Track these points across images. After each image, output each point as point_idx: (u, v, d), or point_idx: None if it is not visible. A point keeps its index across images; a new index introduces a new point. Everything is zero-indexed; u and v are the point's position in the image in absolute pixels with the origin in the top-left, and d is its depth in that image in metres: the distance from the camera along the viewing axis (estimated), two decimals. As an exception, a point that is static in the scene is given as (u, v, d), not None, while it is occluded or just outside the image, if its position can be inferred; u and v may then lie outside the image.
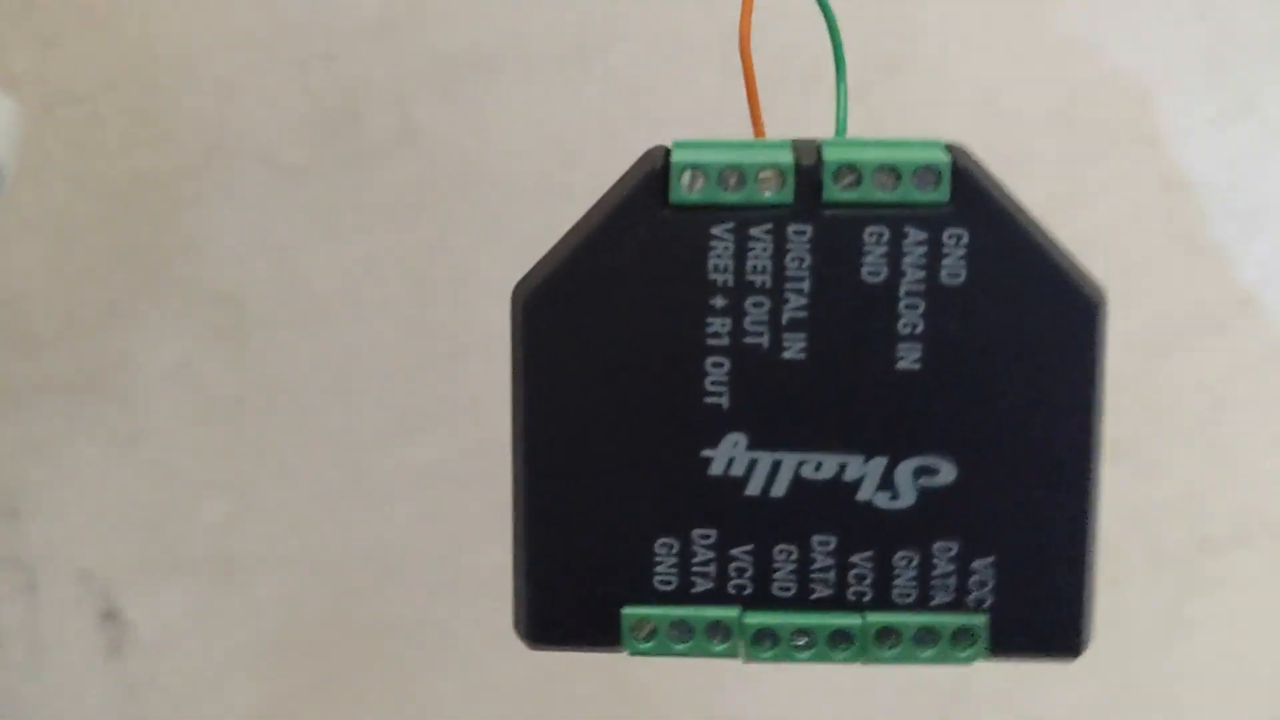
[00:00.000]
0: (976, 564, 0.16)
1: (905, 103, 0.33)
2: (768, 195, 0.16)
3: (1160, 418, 0.33)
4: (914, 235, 0.16)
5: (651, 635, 0.17)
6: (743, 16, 0.17)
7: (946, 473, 0.16)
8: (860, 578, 0.17)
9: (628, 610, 0.17)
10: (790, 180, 0.16)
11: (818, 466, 0.16)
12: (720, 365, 0.16)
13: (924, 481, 0.16)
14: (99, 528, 0.35)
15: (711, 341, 0.16)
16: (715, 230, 0.16)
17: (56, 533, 0.36)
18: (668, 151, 0.16)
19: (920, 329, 0.16)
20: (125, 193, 0.34)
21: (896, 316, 0.16)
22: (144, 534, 0.35)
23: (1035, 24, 0.33)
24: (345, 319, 0.35)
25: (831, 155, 0.16)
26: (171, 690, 0.36)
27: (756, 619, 0.17)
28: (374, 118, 0.34)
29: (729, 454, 0.16)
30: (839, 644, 0.17)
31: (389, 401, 0.35)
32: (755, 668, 0.18)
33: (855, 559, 0.16)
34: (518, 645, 0.17)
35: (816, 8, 0.18)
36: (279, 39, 0.34)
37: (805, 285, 0.16)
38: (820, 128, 0.18)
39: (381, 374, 0.35)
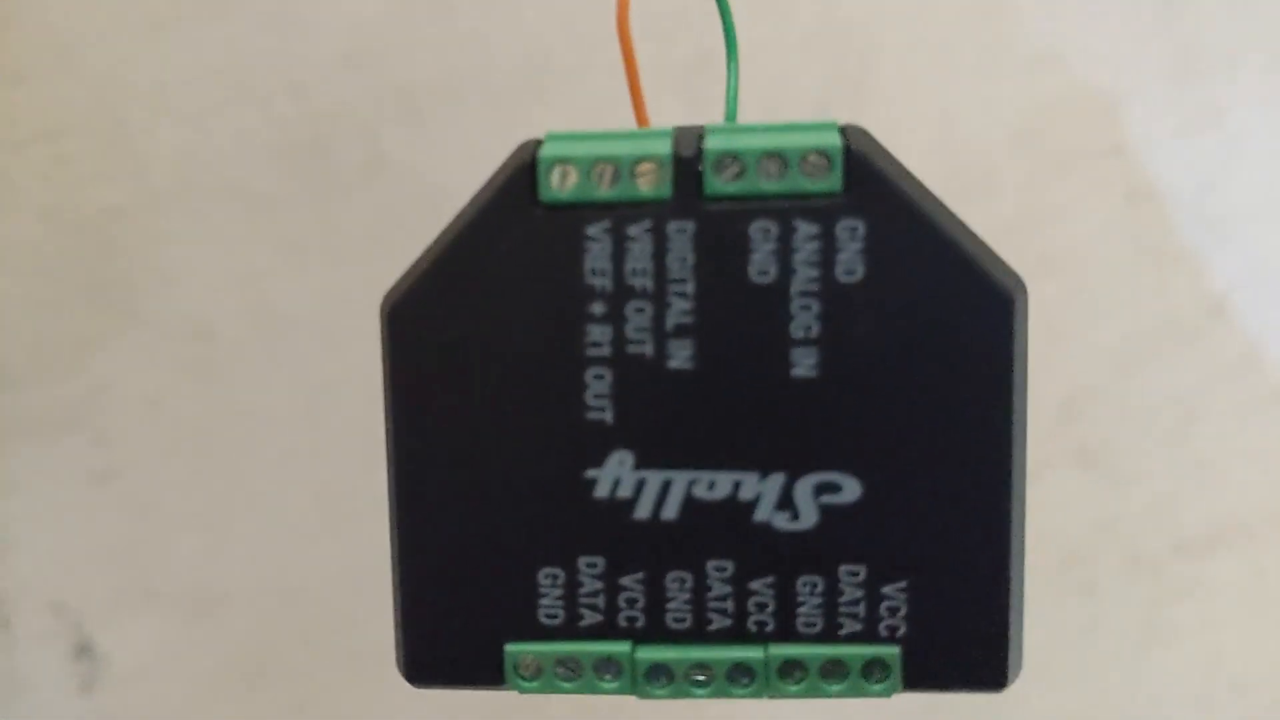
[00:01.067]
0: (887, 589, 0.15)
1: (867, 122, 0.32)
2: (645, 190, 0.15)
3: (1133, 426, 0.33)
4: (804, 229, 0.14)
5: (537, 673, 0.15)
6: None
7: (850, 489, 0.15)
8: (761, 606, 0.15)
9: (510, 647, 0.15)
10: (669, 173, 0.15)
11: (711, 485, 0.15)
12: (601, 377, 0.15)
13: (826, 499, 0.15)
14: (73, 563, 0.35)
15: (591, 352, 0.15)
16: (590, 230, 0.15)
17: (30, 568, 0.35)
18: (540, 145, 0.15)
19: (816, 332, 0.15)
20: (96, 227, 0.34)
21: (789, 319, 0.15)
22: (118, 568, 0.35)
23: (998, 39, 0.32)
24: (317, 348, 0.34)
25: (712, 144, 0.15)
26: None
27: (649, 654, 0.15)
28: (343, 148, 0.34)
29: (615, 474, 0.15)
30: (740, 679, 0.15)
31: (361, 430, 0.34)
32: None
33: (755, 586, 0.15)
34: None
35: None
36: (246, 71, 0.33)
37: (689, 288, 0.15)
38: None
39: (354, 403, 0.34)
